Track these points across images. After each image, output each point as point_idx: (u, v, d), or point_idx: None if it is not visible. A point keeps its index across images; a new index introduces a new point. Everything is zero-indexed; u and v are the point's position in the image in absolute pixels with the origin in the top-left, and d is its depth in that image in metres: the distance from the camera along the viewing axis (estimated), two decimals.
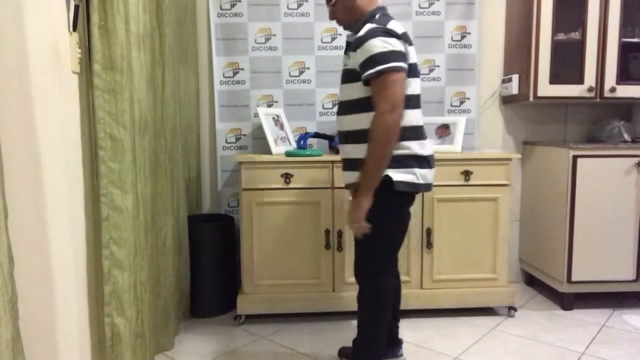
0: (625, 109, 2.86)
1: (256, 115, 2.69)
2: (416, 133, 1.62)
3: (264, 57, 2.68)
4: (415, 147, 1.60)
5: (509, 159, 2.36)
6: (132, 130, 1.64)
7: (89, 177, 1.60)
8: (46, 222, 1.35)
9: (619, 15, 2.48)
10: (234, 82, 2.69)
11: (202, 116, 2.75)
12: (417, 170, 1.60)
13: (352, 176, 1.65)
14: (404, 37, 1.56)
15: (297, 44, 2.69)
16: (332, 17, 1.73)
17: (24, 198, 1.27)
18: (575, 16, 2.51)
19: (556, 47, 2.51)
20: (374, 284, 1.67)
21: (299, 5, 2.67)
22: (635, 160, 2.40)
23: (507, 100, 2.81)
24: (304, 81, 2.71)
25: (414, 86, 1.61)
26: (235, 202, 2.75)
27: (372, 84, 1.52)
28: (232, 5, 2.65)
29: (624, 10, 2.48)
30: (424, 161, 1.62)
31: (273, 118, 2.57)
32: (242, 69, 2.69)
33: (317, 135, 2.62)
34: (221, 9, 2.65)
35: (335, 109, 2.73)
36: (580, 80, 2.52)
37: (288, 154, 2.37)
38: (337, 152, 2.55)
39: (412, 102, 1.60)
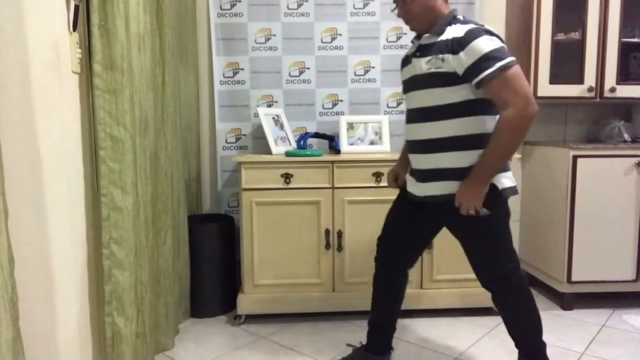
0: (625, 109, 2.86)
1: (256, 115, 2.70)
2: None
3: (264, 57, 2.68)
4: None
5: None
6: (133, 130, 1.65)
7: (89, 177, 1.60)
8: (46, 222, 1.35)
9: (619, 15, 2.48)
10: (234, 82, 2.69)
11: (202, 116, 2.75)
12: (509, 173, 1.57)
13: (440, 187, 1.56)
14: (499, 36, 1.49)
15: (297, 44, 2.69)
16: (402, 15, 1.60)
17: (24, 198, 1.27)
18: (575, 16, 2.51)
19: (556, 47, 2.51)
20: (518, 286, 1.60)
21: (299, 5, 2.67)
22: (635, 160, 2.40)
23: None
24: (304, 81, 2.71)
25: None
26: (235, 202, 2.75)
27: (494, 84, 1.42)
28: (232, 5, 2.65)
29: (624, 10, 2.48)
30: (508, 163, 1.59)
31: (273, 118, 2.57)
32: (242, 69, 2.69)
33: (317, 135, 2.62)
34: (221, 9, 2.65)
35: (336, 109, 2.73)
36: (580, 80, 2.53)
37: (288, 154, 2.37)
38: (337, 152, 2.56)
39: (495, 108, 1.52)
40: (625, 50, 2.56)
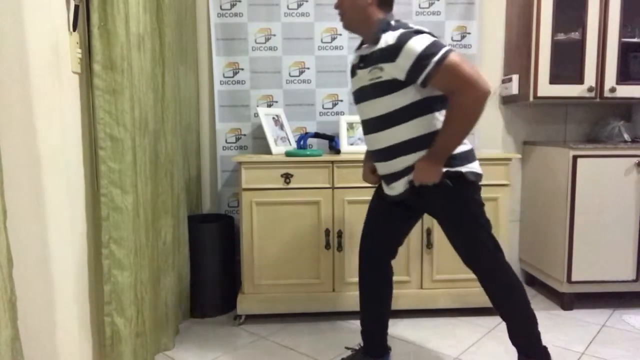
0: (625, 109, 2.86)
1: (256, 115, 2.69)
2: None
3: (264, 57, 2.68)
4: (467, 141, 1.62)
5: (509, 159, 2.36)
6: (132, 130, 1.65)
7: (89, 177, 1.60)
8: (46, 222, 1.35)
9: (619, 15, 2.48)
10: (234, 82, 2.69)
11: (202, 116, 2.75)
12: (475, 163, 1.62)
13: (406, 183, 1.62)
14: (430, 33, 1.52)
15: (297, 44, 2.69)
16: (336, 6, 1.64)
17: (24, 198, 1.27)
18: (575, 16, 2.51)
19: (556, 47, 2.51)
20: (500, 264, 1.64)
21: (299, 5, 2.67)
22: (635, 160, 2.40)
23: (507, 100, 2.81)
24: (304, 81, 2.71)
25: None
26: (235, 202, 2.75)
27: (437, 78, 1.46)
28: (232, 5, 2.65)
29: (624, 10, 2.48)
30: (474, 154, 1.64)
31: (273, 118, 2.57)
32: (242, 69, 2.69)
33: (317, 135, 2.62)
34: (221, 9, 2.65)
35: (336, 109, 2.73)
36: (580, 80, 2.52)
37: (288, 154, 2.37)
38: (337, 152, 2.56)
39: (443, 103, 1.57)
40: (625, 50, 2.56)
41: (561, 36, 2.54)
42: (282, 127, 2.61)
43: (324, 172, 2.30)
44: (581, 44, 2.51)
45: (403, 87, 1.52)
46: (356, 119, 2.60)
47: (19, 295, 1.13)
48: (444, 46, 1.46)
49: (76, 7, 1.47)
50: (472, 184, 1.61)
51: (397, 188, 1.67)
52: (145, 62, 1.80)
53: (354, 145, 2.54)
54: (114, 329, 1.62)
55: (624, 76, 2.56)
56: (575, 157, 2.39)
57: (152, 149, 1.90)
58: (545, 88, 2.52)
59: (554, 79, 2.52)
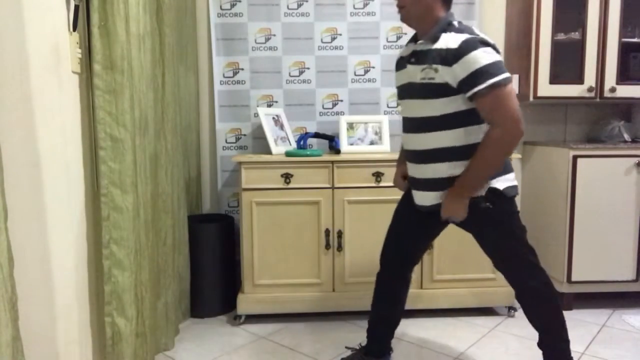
0: (625, 109, 2.86)
1: (256, 115, 2.69)
2: None
3: (264, 57, 2.68)
4: None
5: (509, 159, 2.35)
6: (133, 130, 1.65)
7: (89, 177, 1.60)
8: (46, 222, 1.35)
9: (619, 15, 2.48)
10: (234, 82, 2.69)
11: (202, 116, 2.75)
12: (512, 175, 1.59)
13: (439, 197, 1.58)
14: (495, 46, 1.48)
15: (297, 44, 2.69)
16: (402, 19, 1.59)
17: (23, 198, 1.27)
18: (575, 16, 2.51)
19: (556, 47, 2.51)
20: (536, 276, 1.61)
21: (299, 5, 2.67)
22: (635, 160, 2.40)
23: None
24: (304, 81, 2.71)
25: None
26: (235, 202, 2.75)
27: (485, 101, 1.42)
28: (232, 5, 2.65)
29: (624, 10, 2.48)
30: (511, 165, 1.62)
31: (273, 118, 2.57)
32: (242, 69, 2.69)
33: (317, 135, 2.62)
34: (221, 9, 2.65)
35: (336, 109, 2.73)
36: (580, 80, 2.52)
37: (288, 154, 2.37)
38: (337, 152, 2.56)
39: None
40: (625, 50, 2.56)
41: (561, 36, 2.54)
42: (282, 127, 2.61)
43: (324, 172, 2.30)
44: (581, 44, 2.51)
45: (453, 93, 1.47)
46: (356, 119, 2.60)
47: (20, 295, 1.13)
48: (504, 71, 1.43)
49: (76, 7, 1.47)
50: (509, 199, 1.57)
51: (424, 199, 1.64)
52: (145, 62, 1.80)
53: (354, 145, 2.54)
54: (115, 329, 1.62)
55: (624, 76, 2.56)
56: (575, 157, 2.39)
57: (152, 149, 1.90)
58: (545, 88, 2.52)
59: (554, 79, 2.52)
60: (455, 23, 1.50)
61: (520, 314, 2.45)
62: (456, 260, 2.36)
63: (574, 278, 2.44)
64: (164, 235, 2.04)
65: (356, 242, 2.33)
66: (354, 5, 2.68)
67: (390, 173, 2.30)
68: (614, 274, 2.45)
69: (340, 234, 2.32)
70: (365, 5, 2.68)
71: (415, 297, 2.36)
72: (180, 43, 2.40)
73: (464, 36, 1.43)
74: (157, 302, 1.96)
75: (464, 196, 1.51)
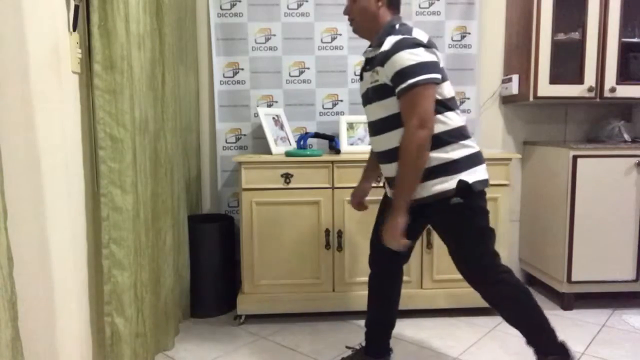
0: (625, 109, 2.86)
1: (256, 115, 2.69)
2: (466, 131, 1.60)
3: (264, 57, 2.68)
4: (472, 144, 1.59)
5: (509, 159, 2.36)
6: (132, 130, 1.65)
7: (89, 177, 1.60)
8: (46, 222, 1.35)
9: (619, 15, 2.48)
10: (234, 82, 2.69)
11: (202, 116, 2.75)
12: (481, 167, 1.59)
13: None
14: (430, 44, 1.51)
15: (297, 44, 2.69)
16: (347, 13, 1.65)
17: (24, 198, 1.27)
18: (575, 16, 2.51)
19: (556, 47, 2.51)
20: (499, 278, 1.61)
21: (299, 5, 2.67)
22: (635, 160, 2.40)
23: (507, 100, 2.81)
24: (304, 81, 2.71)
25: (449, 89, 1.56)
26: (235, 202, 2.75)
27: (401, 100, 1.48)
28: (232, 5, 2.65)
29: (624, 10, 2.48)
30: (481, 156, 1.61)
31: (273, 118, 2.57)
32: (242, 69, 2.69)
33: (317, 135, 2.62)
34: (221, 9, 2.65)
35: (336, 109, 2.73)
36: (580, 80, 2.52)
37: (288, 154, 2.37)
38: (337, 152, 2.56)
39: (452, 104, 1.56)
40: (625, 50, 2.55)
41: (561, 36, 2.54)
42: (282, 127, 2.61)
43: (324, 172, 2.30)
44: (581, 44, 2.51)
45: (393, 93, 1.52)
46: (356, 119, 2.60)
47: (19, 295, 1.13)
48: (428, 72, 1.45)
49: (76, 7, 1.47)
50: (479, 193, 1.57)
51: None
52: (145, 62, 1.80)
53: (354, 145, 2.54)
54: (114, 329, 1.62)
55: (624, 76, 2.56)
56: (575, 157, 2.39)
57: (152, 149, 1.90)
58: (545, 88, 2.52)
59: (554, 79, 2.52)
60: (397, 25, 1.55)
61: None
62: None
63: (574, 278, 2.44)
64: (164, 235, 2.04)
65: (356, 242, 2.33)
66: None
67: None
68: (614, 274, 2.45)
69: (340, 234, 2.32)
70: None
71: (416, 297, 2.36)
72: (180, 43, 2.40)
73: (398, 37, 1.49)
74: (157, 302, 1.96)
75: (397, 215, 1.50)
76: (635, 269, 2.44)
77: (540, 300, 2.66)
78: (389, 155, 1.62)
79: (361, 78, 1.70)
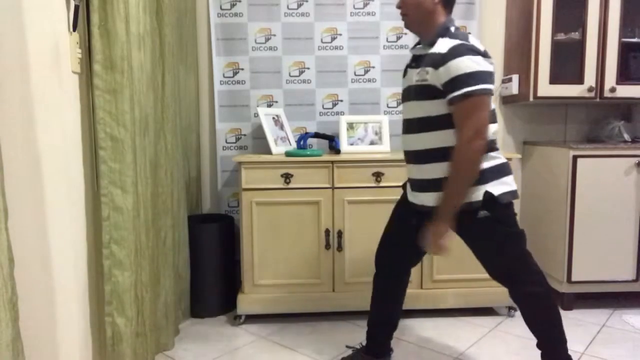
0: (625, 109, 2.86)
1: (256, 115, 2.69)
2: (495, 143, 1.59)
3: (264, 57, 2.68)
4: (499, 155, 1.58)
5: (509, 159, 2.34)
6: (132, 130, 1.65)
7: (89, 177, 1.60)
8: (46, 222, 1.35)
9: (619, 15, 2.48)
10: (234, 82, 2.69)
11: (202, 116, 2.75)
12: (509, 177, 1.58)
13: (433, 199, 1.58)
14: (487, 54, 1.50)
15: (297, 44, 2.69)
16: (400, 5, 1.62)
17: (23, 198, 1.27)
18: (575, 16, 2.51)
19: (556, 47, 2.51)
20: (529, 280, 1.65)
21: (299, 5, 2.67)
22: (635, 160, 2.40)
23: (507, 100, 2.81)
24: (304, 81, 2.71)
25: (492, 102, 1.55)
26: (235, 202, 2.75)
27: (456, 107, 1.45)
28: (232, 5, 2.65)
29: (624, 10, 2.48)
30: (509, 167, 1.61)
31: (273, 118, 2.57)
32: (242, 69, 2.69)
33: (317, 135, 2.62)
34: (221, 9, 2.65)
35: (336, 109, 2.73)
36: (580, 80, 2.52)
37: (288, 154, 2.37)
38: (337, 152, 2.56)
39: (493, 116, 1.55)
40: (625, 50, 2.55)
41: (561, 36, 2.54)
42: (282, 127, 2.61)
43: (324, 172, 2.29)
44: (581, 44, 2.51)
45: (442, 96, 1.49)
46: (356, 119, 2.60)
47: (20, 295, 1.13)
48: (485, 82, 1.44)
49: (76, 7, 1.47)
50: (506, 204, 1.56)
51: (421, 198, 1.64)
52: (145, 62, 1.80)
53: (354, 145, 2.54)
54: (115, 329, 1.62)
55: (624, 76, 2.56)
56: (575, 157, 2.39)
57: (152, 149, 1.90)
58: (545, 88, 2.52)
59: (554, 79, 2.52)
60: (452, 29, 1.53)
61: (520, 314, 2.45)
62: (456, 260, 2.36)
63: (574, 278, 2.44)
64: (164, 235, 2.04)
65: (356, 242, 2.33)
66: (354, 5, 2.68)
67: (390, 173, 2.31)
68: (614, 274, 2.45)
69: (340, 234, 2.32)
70: (365, 5, 2.68)
71: (415, 297, 2.36)
72: (180, 43, 2.40)
73: (454, 42, 1.47)
74: (157, 302, 1.96)
75: (442, 221, 1.50)
76: (635, 269, 2.44)
77: None
78: (418, 156, 1.61)
79: (405, 74, 1.68)
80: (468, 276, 2.37)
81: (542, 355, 1.68)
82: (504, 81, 2.79)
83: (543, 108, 2.86)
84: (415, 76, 1.56)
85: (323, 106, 2.74)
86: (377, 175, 2.31)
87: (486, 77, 1.45)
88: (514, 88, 2.66)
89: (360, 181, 2.31)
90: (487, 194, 1.52)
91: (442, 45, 1.48)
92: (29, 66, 1.27)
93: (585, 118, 2.88)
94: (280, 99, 2.71)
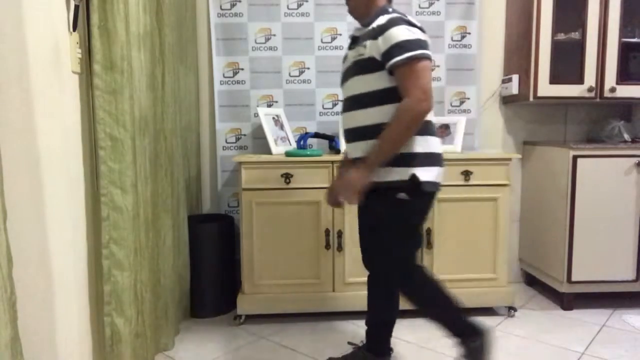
0: (625, 109, 2.86)
1: (256, 115, 2.69)
2: (433, 128, 1.60)
3: (264, 57, 2.68)
4: (436, 144, 1.59)
5: (509, 159, 2.36)
6: (132, 130, 1.65)
7: (89, 177, 1.60)
8: (46, 222, 1.35)
9: (619, 15, 2.48)
10: (234, 82, 2.69)
11: (202, 116, 2.75)
12: (438, 169, 1.58)
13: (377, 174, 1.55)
14: (422, 29, 1.55)
15: (297, 44, 2.69)
16: (349, 11, 1.70)
17: (23, 198, 1.27)
18: (575, 16, 2.51)
19: (556, 47, 2.51)
20: (409, 281, 1.63)
21: (299, 5, 2.67)
22: (635, 160, 2.40)
23: (507, 100, 2.81)
24: (304, 81, 2.71)
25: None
26: (235, 202, 2.75)
27: (400, 71, 1.47)
28: (232, 5, 2.65)
29: (624, 10, 2.48)
30: (441, 159, 1.61)
31: (273, 118, 2.57)
32: (242, 69, 2.69)
33: (317, 135, 2.62)
34: (221, 9, 2.65)
35: (336, 109, 2.73)
36: (580, 80, 2.52)
37: (288, 154, 2.37)
38: (337, 152, 2.55)
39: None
40: (625, 50, 2.55)
41: (561, 36, 2.54)
42: (282, 127, 2.61)
43: (324, 172, 2.29)
44: (581, 44, 2.51)
45: (379, 69, 1.51)
46: None
47: (19, 295, 1.13)
48: (424, 48, 1.48)
49: (76, 7, 1.47)
50: (427, 194, 1.57)
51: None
52: (145, 62, 1.80)
53: None
54: (114, 329, 1.62)
55: (624, 76, 2.56)
56: (575, 157, 2.39)
57: (152, 149, 1.90)
58: (545, 88, 2.52)
59: (554, 79, 2.52)
60: (390, 9, 1.56)
61: (520, 314, 2.45)
62: (456, 260, 2.36)
63: (574, 278, 2.44)
64: (164, 235, 2.04)
65: (356, 242, 2.33)
66: None
67: None
68: (614, 274, 2.45)
69: (340, 234, 2.32)
70: None
71: None
72: (180, 43, 2.40)
73: (392, 15, 1.51)
74: (157, 302, 1.96)
75: (366, 169, 1.50)
76: (635, 269, 2.44)
77: (540, 300, 2.66)
78: (361, 133, 1.58)
79: (345, 59, 1.70)
80: (468, 276, 2.37)
81: (457, 344, 1.67)
82: (504, 81, 2.79)
83: (543, 108, 2.86)
84: (352, 54, 1.60)
85: (323, 106, 2.74)
86: None
87: (425, 45, 1.49)
88: (514, 88, 2.66)
89: None
90: (414, 177, 1.51)
91: (380, 19, 1.52)
92: (29, 66, 1.27)
93: (585, 118, 2.88)
94: (280, 99, 2.71)
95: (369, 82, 1.54)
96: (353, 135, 1.63)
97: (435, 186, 1.57)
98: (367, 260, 1.76)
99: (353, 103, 1.60)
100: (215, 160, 2.76)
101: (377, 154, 1.49)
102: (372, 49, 1.51)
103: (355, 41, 1.63)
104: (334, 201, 1.76)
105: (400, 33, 1.46)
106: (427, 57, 1.48)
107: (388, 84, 1.52)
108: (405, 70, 1.46)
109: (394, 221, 1.58)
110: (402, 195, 1.52)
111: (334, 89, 2.72)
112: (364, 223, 1.78)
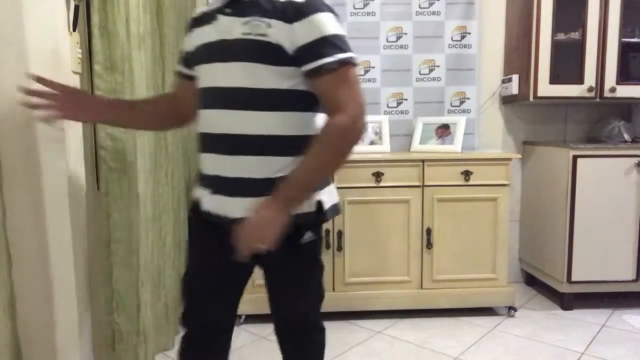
0: (625, 109, 2.85)
1: None
2: None
3: None
4: None
5: (509, 159, 2.36)
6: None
7: (89, 177, 1.60)
8: (46, 222, 1.35)
9: (619, 15, 2.48)
10: None
11: None
12: (333, 188, 1.24)
13: (248, 205, 1.09)
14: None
15: None
16: None
17: (22, 197, 1.27)
18: (575, 16, 2.51)
19: (556, 47, 2.51)
20: (321, 329, 1.34)
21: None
22: (635, 160, 2.40)
23: (507, 100, 2.81)
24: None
25: None
26: None
27: (329, 78, 1.06)
28: None
29: (624, 10, 2.48)
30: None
31: None
32: None
33: None
34: None
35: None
36: (580, 80, 2.52)
37: None
38: None
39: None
40: (625, 50, 2.55)
41: (561, 36, 2.54)
42: None
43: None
44: (581, 44, 2.51)
45: (286, 63, 1.07)
46: None
47: (19, 295, 1.13)
48: (351, 49, 1.12)
49: (76, 7, 1.47)
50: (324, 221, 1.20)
51: (231, 207, 1.15)
52: (145, 62, 1.80)
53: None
54: (115, 329, 1.62)
55: (624, 76, 2.56)
56: (575, 157, 2.39)
57: (152, 149, 1.90)
58: (545, 88, 2.52)
59: (554, 79, 2.52)
60: None
61: (520, 314, 2.45)
62: (456, 260, 2.36)
63: (574, 278, 2.44)
64: (164, 235, 2.04)
65: (356, 242, 2.33)
66: (354, 5, 2.68)
67: (390, 173, 2.30)
68: (614, 274, 2.45)
69: (340, 234, 2.32)
70: (365, 5, 2.68)
71: (415, 297, 2.36)
72: (180, 43, 2.40)
73: None
74: (157, 302, 1.96)
75: (285, 208, 1.06)
76: (635, 269, 2.44)
77: (540, 300, 2.66)
78: (243, 143, 1.11)
79: (199, 24, 1.18)
80: (468, 276, 2.37)
81: None
82: (504, 81, 2.79)
83: (543, 108, 2.86)
84: (239, 27, 1.07)
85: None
86: (377, 175, 2.31)
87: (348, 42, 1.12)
88: (514, 88, 2.66)
89: (360, 181, 2.31)
90: (320, 206, 1.14)
91: None
92: (29, 66, 1.27)
93: (585, 118, 2.88)
94: None
95: (269, 76, 1.08)
96: (233, 145, 1.12)
97: (336, 211, 1.22)
98: (285, 321, 1.32)
99: (235, 99, 1.10)
100: None
101: (299, 187, 1.07)
102: (282, 34, 1.05)
103: (237, 6, 1.10)
104: (248, 248, 1.08)
105: (328, 25, 1.06)
106: (356, 62, 1.12)
107: (298, 85, 1.10)
108: (338, 78, 1.06)
109: (311, 266, 1.25)
110: (309, 237, 1.16)
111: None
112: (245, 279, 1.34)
